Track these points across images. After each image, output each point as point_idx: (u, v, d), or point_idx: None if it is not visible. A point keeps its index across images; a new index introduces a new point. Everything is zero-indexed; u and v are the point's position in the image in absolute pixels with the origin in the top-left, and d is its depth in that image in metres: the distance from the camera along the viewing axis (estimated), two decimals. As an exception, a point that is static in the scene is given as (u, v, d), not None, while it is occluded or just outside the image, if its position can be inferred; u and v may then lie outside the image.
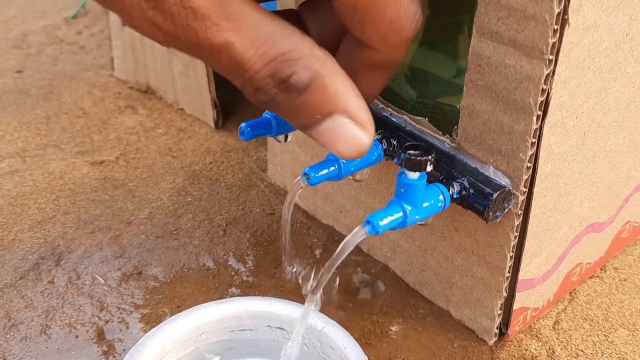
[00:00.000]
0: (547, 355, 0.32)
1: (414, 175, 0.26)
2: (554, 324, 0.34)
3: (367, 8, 0.20)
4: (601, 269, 0.38)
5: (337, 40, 0.24)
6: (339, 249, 0.25)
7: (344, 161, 0.29)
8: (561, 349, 0.33)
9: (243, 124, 0.31)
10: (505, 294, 0.31)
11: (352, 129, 0.21)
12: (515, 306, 0.32)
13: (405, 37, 0.21)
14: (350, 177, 0.32)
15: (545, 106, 0.26)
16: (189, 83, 0.50)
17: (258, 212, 0.41)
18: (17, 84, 0.56)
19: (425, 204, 0.27)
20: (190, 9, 0.18)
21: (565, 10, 0.24)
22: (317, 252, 0.39)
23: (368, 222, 0.26)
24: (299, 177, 0.29)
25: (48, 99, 0.54)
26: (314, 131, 0.21)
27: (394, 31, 0.21)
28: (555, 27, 0.24)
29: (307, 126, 0.21)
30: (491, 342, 0.33)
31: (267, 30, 0.19)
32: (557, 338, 0.33)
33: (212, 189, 0.44)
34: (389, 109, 0.32)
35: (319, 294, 0.25)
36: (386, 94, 0.33)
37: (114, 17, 0.54)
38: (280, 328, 0.28)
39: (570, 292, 0.36)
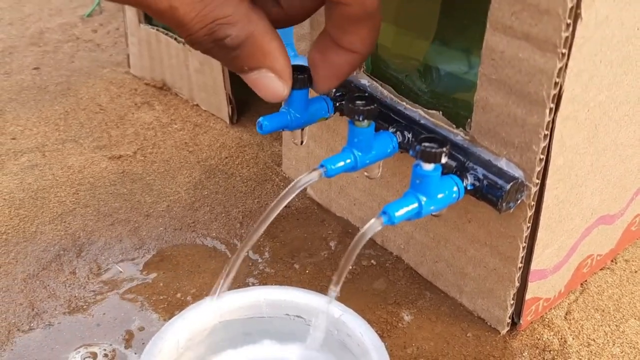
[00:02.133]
0: (560, 345, 0.33)
1: (429, 167, 0.27)
2: (566, 314, 0.35)
3: (360, 19, 0.24)
4: (612, 261, 0.38)
5: (308, 14, 0.28)
6: (355, 239, 0.26)
7: (360, 153, 0.30)
8: (573, 338, 0.33)
9: (261, 118, 0.31)
10: (517, 284, 0.32)
11: (273, 81, 0.26)
12: (528, 296, 0.32)
13: (375, 39, 0.25)
14: (364, 174, 0.32)
15: (557, 99, 0.27)
16: (204, 79, 0.50)
17: (274, 202, 0.42)
18: (35, 81, 0.57)
19: (440, 195, 0.27)
20: None
21: (578, 5, 0.25)
22: (332, 244, 0.39)
23: (384, 213, 0.26)
24: (314, 169, 0.29)
25: (66, 95, 0.55)
26: (244, 76, 0.26)
27: (372, 35, 0.25)
28: (569, 21, 0.25)
29: (238, 72, 0.26)
30: (504, 331, 0.33)
31: None
32: (569, 328, 0.34)
33: (228, 183, 0.44)
34: (404, 103, 0.33)
35: (339, 285, 0.26)
36: (400, 88, 0.34)
37: (130, 15, 0.55)
38: (299, 316, 0.29)
39: (582, 283, 0.36)
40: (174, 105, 0.53)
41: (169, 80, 0.55)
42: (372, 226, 0.26)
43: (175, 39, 0.51)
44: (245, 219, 0.41)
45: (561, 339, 0.33)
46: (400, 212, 0.26)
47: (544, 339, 0.33)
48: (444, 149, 0.26)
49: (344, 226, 0.41)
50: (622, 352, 0.32)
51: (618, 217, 0.35)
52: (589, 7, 0.25)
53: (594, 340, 0.33)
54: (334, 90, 0.35)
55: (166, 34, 0.52)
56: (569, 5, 0.24)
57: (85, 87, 0.56)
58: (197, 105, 0.53)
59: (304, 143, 0.34)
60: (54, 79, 0.57)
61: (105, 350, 0.32)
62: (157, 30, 0.53)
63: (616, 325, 0.34)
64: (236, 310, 0.29)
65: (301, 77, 0.29)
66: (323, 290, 0.35)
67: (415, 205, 0.27)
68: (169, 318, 0.33)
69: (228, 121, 0.50)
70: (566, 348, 0.33)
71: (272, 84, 0.26)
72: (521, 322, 0.33)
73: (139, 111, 0.52)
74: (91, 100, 0.54)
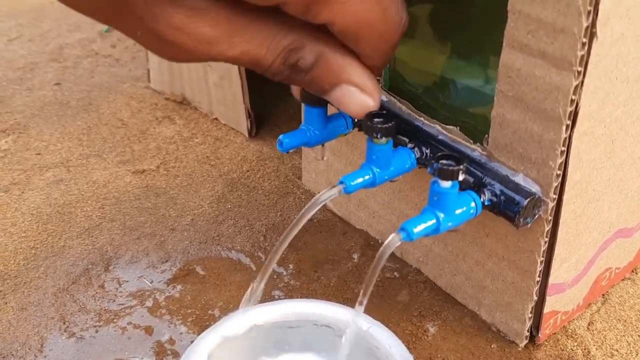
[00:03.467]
0: (583, 355, 0.33)
1: (446, 184, 0.27)
2: (589, 324, 0.35)
3: (358, 29, 0.25)
4: (632, 272, 0.38)
5: None
6: (377, 255, 0.27)
7: (378, 170, 0.31)
8: (596, 348, 0.34)
9: (281, 136, 0.32)
10: (535, 298, 0.32)
11: (357, 95, 0.27)
12: (546, 310, 0.33)
13: (394, 43, 0.26)
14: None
15: (574, 116, 0.27)
16: (223, 94, 0.52)
17: (296, 218, 0.43)
18: (56, 96, 0.59)
19: (457, 211, 0.28)
20: (205, 42, 0.23)
21: (593, 24, 0.25)
22: (355, 256, 0.40)
23: (403, 229, 0.27)
24: (334, 186, 0.30)
25: (87, 111, 0.56)
26: (327, 96, 0.27)
27: (383, 42, 0.26)
28: (584, 40, 0.25)
29: (322, 94, 0.27)
30: (522, 344, 0.34)
31: (272, 30, 0.24)
32: (592, 338, 0.34)
33: (251, 196, 0.45)
34: (421, 119, 0.34)
35: (366, 300, 0.27)
36: (418, 103, 0.35)
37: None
38: (327, 326, 0.30)
39: (603, 295, 0.37)
40: (194, 119, 0.54)
41: (189, 95, 0.56)
42: (391, 242, 0.27)
43: (195, 54, 0.52)
44: (268, 232, 0.42)
45: (584, 349, 0.34)
46: (419, 228, 0.27)
47: (567, 350, 0.34)
48: (461, 167, 0.27)
49: (366, 238, 0.41)
50: (643, 363, 0.33)
51: (636, 230, 0.36)
52: (604, 26, 0.25)
53: (617, 351, 0.33)
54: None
55: (186, 50, 0.53)
56: (585, 24, 0.25)
57: (106, 102, 0.57)
58: (216, 119, 0.54)
59: (325, 158, 0.35)
60: (75, 94, 0.59)
61: (134, 362, 0.33)
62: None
63: (639, 336, 0.34)
64: (265, 321, 0.30)
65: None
66: (348, 302, 0.36)
67: (434, 221, 0.27)
68: (198, 331, 0.34)
69: (247, 134, 0.51)
70: (590, 359, 0.33)
71: (356, 97, 0.27)
72: (539, 335, 0.34)
73: (160, 125, 0.54)
74: (113, 115, 0.55)
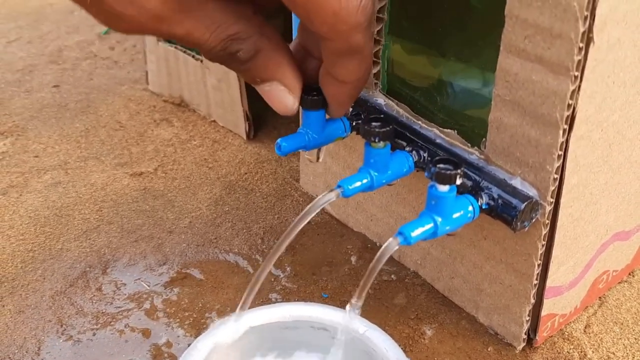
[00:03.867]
0: (580, 358, 0.33)
1: (444, 188, 0.27)
2: (585, 327, 0.35)
3: (305, 4, 0.25)
4: (629, 274, 0.38)
5: None
6: (374, 259, 0.27)
7: (376, 174, 0.31)
8: (593, 351, 0.34)
9: (279, 140, 0.32)
10: (533, 301, 0.32)
11: (282, 94, 0.28)
12: (543, 312, 0.33)
13: (353, 24, 0.26)
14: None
15: (571, 120, 0.27)
16: (222, 96, 0.52)
17: (294, 221, 0.43)
18: (55, 99, 0.59)
19: (455, 215, 0.28)
20: (153, 16, 0.24)
21: (590, 29, 0.25)
22: (353, 258, 0.40)
23: (400, 234, 0.27)
24: (332, 190, 0.30)
25: (86, 113, 0.56)
26: (257, 88, 0.29)
27: (339, 21, 0.25)
28: (581, 45, 0.25)
29: (252, 84, 0.29)
30: (519, 347, 0.34)
31: (221, 17, 0.25)
32: (588, 341, 0.34)
33: (249, 199, 0.45)
34: (419, 122, 0.34)
35: (361, 302, 0.27)
36: (416, 107, 0.35)
37: (148, 33, 0.56)
38: (324, 329, 0.30)
39: (600, 297, 0.37)
40: (192, 121, 0.54)
41: (187, 97, 0.56)
42: (389, 247, 0.27)
43: (193, 56, 0.52)
44: (266, 235, 0.42)
45: (581, 352, 0.34)
46: (416, 232, 0.27)
47: (564, 353, 0.34)
48: (459, 171, 0.27)
49: (363, 241, 0.41)
50: (640, 366, 0.33)
51: (633, 233, 0.36)
52: (601, 31, 0.26)
53: (614, 354, 0.34)
54: (350, 109, 0.35)
55: (184, 52, 0.53)
56: (581, 29, 0.25)
57: (104, 104, 0.57)
58: (214, 121, 0.54)
59: (320, 160, 0.35)
60: (74, 96, 0.59)
61: (131, 365, 0.33)
62: (175, 47, 0.54)
63: (635, 339, 0.34)
64: (262, 323, 0.30)
65: (317, 98, 0.30)
66: (345, 305, 0.35)
67: (431, 225, 0.27)
68: (195, 334, 0.34)
69: (245, 137, 0.51)
70: (585, 361, 0.33)
71: (282, 96, 0.28)
72: (537, 338, 0.34)
73: (158, 128, 0.54)
74: (111, 117, 0.55)
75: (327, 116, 0.32)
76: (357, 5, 0.25)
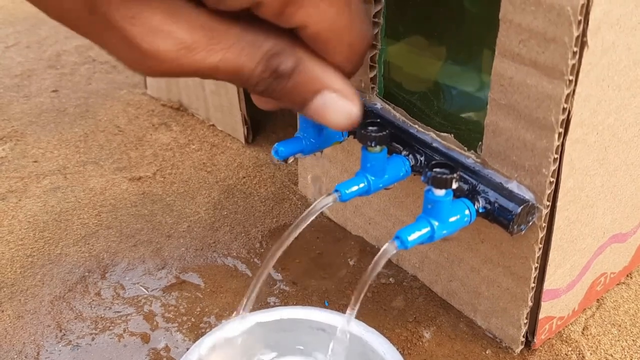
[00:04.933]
0: (576, 360, 0.34)
1: (440, 192, 0.27)
2: (583, 329, 0.35)
3: (330, 34, 0.24)
4: (627, 276, 0.38)
5: None
6: (372, 264, 0.27)
7: (373, 178, 0.31)
8: (591, 353, 0.34)
9: (276, 144, 0.32)
10: (530, 304, 0.32)
11: (341, 102, 0.25)
12: (541, 315, 0.33)
13: (363, 52, 0.26)
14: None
15: (566, 124, 0.27)
16: (220, 100, 0.52)
17: (292, 226, 0.43)
18: (54, 103, 0.59)
19: (451, 219, 0.28)
20: (184, 48, 0.22)
21: (584, 33, 0.25)
22: (351, 262, 0.40)
23: (397, 238, 0.27)
24: (329, 194, 0.30)
25: (85, 117, 0.56)
26: (309, 109, 0.26)
27: (352, 51, 0.26)
28: (575, 49, 0.25)
29: (303, 105, 0.26)
30: (517, 350, 0.34)
31: (250, 37, 0.23)
32: (586, 343, 0.34)
33: (247, 203, 0.45)
34: (416, 126, 0.34)
35: (357, 306, 0.27)
36: (412, 111, 0.35)
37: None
38: (322, 330, 0.30)
39: (598, 299, 0.37)
40: (191, 125, 0.54)
41: (186, 101, 0.56)
42: (387, 251, 0.27)
43: (191, 61, 0.52)
44: (264, 238, 0.42)
45: (579, 354, 0.34)
46: (413, 236, 0.27)
47: (562, 355, 0.34)
48: (455, 175, 0.27)
49: (362, 244, 0.42)
50: (638, 367, 0.33)
51: (631, 235, 0.36)
52: (595, 35, 0.26)
53: (612, 356, 0.34)
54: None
55: (182, 57, 0.53)
56: (575, 33, 0.25)
57: (103, 109, 0.57)
58: (213, 125, 0.54)
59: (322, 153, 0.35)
60: (73, 101, 0.59)
61: (130, 370, 0.33)
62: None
63: (633, 340, 0.34)
64: (260, 325, 0.30)
65: None
66: (344, 309, 0.36)
67: (428, 229, 0.28)
68: (194, 338, 0.34)
69: (243, 141, 0.52)
70: (583, 364, 0.33)
71: (340, 104, 0.25)
72: (535, 340, 0.34)
73: (157, 132, 0.54)
74: (110, 122, 0.56)
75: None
76: (366, 35, 0.26)
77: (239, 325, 0.29)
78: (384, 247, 0.27)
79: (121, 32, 0.21)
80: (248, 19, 0.24)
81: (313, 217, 0.29)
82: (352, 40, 0.25)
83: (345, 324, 0.29)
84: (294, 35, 0.25)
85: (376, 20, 0.34)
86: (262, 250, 0.41)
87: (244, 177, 0.48)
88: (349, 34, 0.25)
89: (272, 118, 0.54)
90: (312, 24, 0.24)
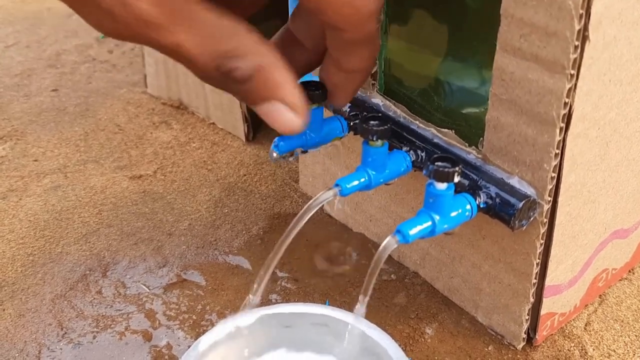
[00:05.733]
0: (580, 356, 0.33)
1: (442, 186, 0.27)
2: (586, 325, 0.35)
3: None
4: (629, 272, 0.38)
5: (325, 46, 0.28)
6: (374, 258, 0.27)
7: (374, 172, 0.31)
8: (593, 349, 0.34)
9: (277, 139, 0.32)
10: (532, 300, 0.32)
11: (286, 113, 0.26)
12: (543, 311, 0.33)
13: (367, 13, 0.25)
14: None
15: (567, 118, 0.27)
16: (220, 98, 0.52)
17: (293, 220, 0.43)
18: (54, 102, 0.59)
19: (453, 214, 0.28)
20: (141, 20, 0.22)
21: (585, 27, 0.25)
22: (353, 259, 0.40)
23: (398, 232, 0.27)
24: (330, 189, 0.30)
25: (85, 116, 0.56)
26: (256, 109, 0.26)
27: (354, 10, 0.25)
28: (576, 43, 0.25)
29: (250, 104, 0.26)
30: (519, 346, 0.34)
31: (215, 30, 0.23)
32: (589, 339, 0.34)
33: (248, 200, 0.45)
34: (416, 122, 0.34)
35: (366, 301, 0.27)
36: (413, 107, 0.35)
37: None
38: (324, 325, 0.30)
39: (600, 295, 0.37)
40: (191, 124, 0.54)
41: (186, 100, 0.56)
42: (388, 245, 0.27)
43: (191, 59, 0.52)
44: (265, 236, 0.42)
45: (582, 350, 0.34)
46: (414, 230, 0.27)
47: (565, 351, 0.34)
48: (457, 169, 0.27)
49: (363, 241, 0.41)
50: (641, 363, 0.33)
51: (632, 230, 0.36)
52: (597, 29, 0.26)
53: (614, 351, 0.34)
54: (348, 109, 0.35)
55: (182, 55, 0.53)
56: (577, 27, 0.25)
57: (103, 107, 0.57)
58: (213, 123, 0.54)
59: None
60: (73, 100, 0.59)
61: (132, 368, 0.33)
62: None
63: (636, 336, 0.34)
64: (261, 320, 0.30)
65: (316, 93, 0.30)
66: (345, 305, 0.36)
67: (429, 223, 0.27)
68: (195, 336, 0.34)
69: (244, 139, 0.51)
70: (587, 359, 0.33)
71: (284, 116, 0.26)
72: (537, 337, 0.34)
73: (157, 130, 0.54)
74: (110, 120, 0.55)
75: (329, 107, 0.32)
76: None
77: (239, 321, 0.29)
78: (385, 241, 0.27)
79: None
80: (223, 11, 0.23)
81: (314, 211, 0.29)
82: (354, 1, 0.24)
83: (357, 319, 0.29)
84: (262, 39, 0.24)
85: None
86: (263, 247, 0.41)
87: (245, 175, 0.48)
88: None
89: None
90: None
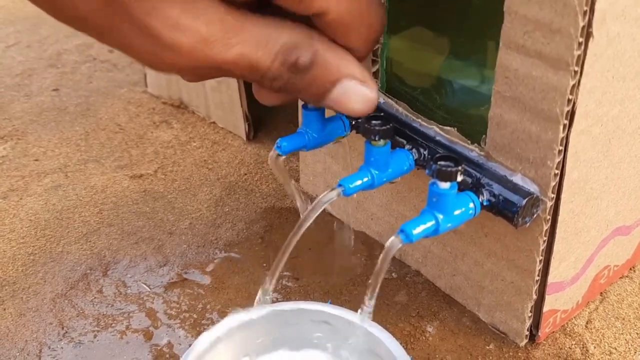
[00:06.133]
0: (581, 354, 0.33)
1: (445, 185, 0.27)
2: (587, 323, 0.35)
3: (351, 18, 0.24)
4: (630, 269, 0.38)
5: None
6: (380, 259, 0.27)
7: (377, 172, 0.31)
8: (594, 347, 0.34)
9: (279, 139, 0.32)
10: (535, 297, 0.32)
11: (360, 88, 0.25)
12: (545, 308, 0.33)
13: (380, 32, 0.26)
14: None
15: (571, 115, 0.27)
16: (221, 97, 0.52)
17: (294, 220, 0.43)
18: (54, 102, 0.59)
19: (456, 212, 0.28)
20: (202, 40, 0.22)
21: (589, 24, 0.25)
22: (354, 257, 0.40)
23: (402, 231, 0.27)
24: (333, 189, 0.30)
25: (85, 116, 0.56)
26: (328, 100, 0.26)
27: (372, 32, 0.26)
28: (580, 40, 0.25)
29: (322, 97, 0.25)
30: (522, 344, 0.34)
31: (265, 31, 0.23)
32: (590, 336, 0.34)
33: (249, 199, 0.45)
34: (419, 120, 0.34)
35: (373, 301, 0.27)
36: (415, 105, 0.35)
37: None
38: (326, 322, 0.30)
39: (601, 293, 0.37)
40: (192, 123, 0.54)
41: (186, 99, 0.56)
42: (392, 245, 0.27)
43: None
44: (266, 235, 0.42)
45: (583, 347, 0.34)
46: (418, 230, 0.27)
47: (566, 348, 0.34)
48: (460, 168, 0.27)
49: (364, 240, 0.41)
50: (643, 361, 0.33)
51: (634, 227, 0.36)
52: (601, 26, 0.26)
53: (616, 349, 0.33)
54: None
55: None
56: (581, 24, 0.25)
57: (104, 107, 0.57)
58: (214, 122, 0.54)
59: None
60: (73, 99, 0.59)
61: (133, 367, 0.33)
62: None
63: (637, 333, 0.34)
64: (263, 318, 0.30)
65: None
66: (346, 304, 0.35)
67: (433, 222, 0.27)
68: (196, 334, 0.34)
69: (245, 138, 0.51)
70: (588, 357, 0.33)
71: (359, 91, 0.25)
72: (539, 334, 0.34)
73: (158, 130, 0.54)
74: (110, 120, 0.55)
75: (328, 113, 0.32)
76: (382, 15, 0.26)
77: (240, 318, 0.29)
78: (389, 241, 0.27)
79: (139, 24, 0.21)
80: (262, 12, 0.23)
81: (319, 212, 0.29)
82: (371, 21, 0.25)
83: (363, 320, 0.28)
84: (307, 27, 0.24)
85: (378, 14, 0.34)
86: (264, 246, 0.41)
87: (246, 174, 0.48)
88: (368, 15, 0.25)
89: (273, 115, 0.54)
90: (333, 8, 0.23)
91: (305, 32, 0.24)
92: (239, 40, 0.23)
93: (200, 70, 0.23)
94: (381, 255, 0.26)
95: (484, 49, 0.32)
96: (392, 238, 0.27)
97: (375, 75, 0.36)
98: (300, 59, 0.24)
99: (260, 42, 0.23)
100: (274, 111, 0.54)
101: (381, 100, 0.36)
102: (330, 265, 0.40)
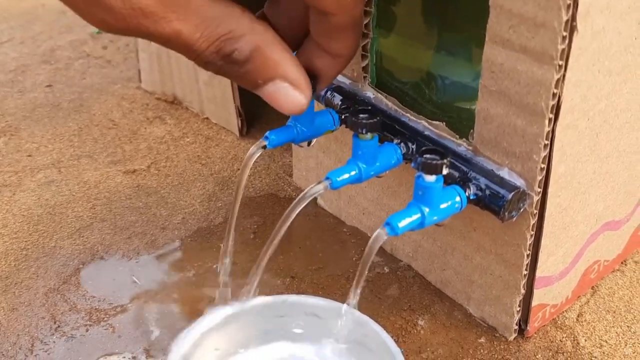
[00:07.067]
0: (572, 346, 0.34)
1: (430, 178, 0.27)
2: (578, 316, 0.35)
3: None
4: (622, 263, 0.39)
5: (302, 33, 0.28)
6: (365, 251, 0.27)
7: (364, 165, 0.31)
8: (585, 339, 0.34)
9: (268, 133, 0.32)
10: (523, 291, 0.32)
11: (290, 91, 0.26)
12: (534, 303, 0.33)
13: None
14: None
15: (556, 109, 0.27)
16: (214, 93, 0.52)
17: (284, 214, 0.43)
18: (48, 98, 0.59)
19: (442, 205, 0.28)
20: (139, 9, 0.22)
21: (573, 18, 0.25)
22: (346, 252, 0.40)
23: (388, 224, 0.27)
24: (320, 182, 0.30)
25: (79, 112, 0.56)
26: (259, 92, 0.26)
27: None
28: (564, 33, 0.25)
29: (254, 89, 0.26)
30: (511, 338, 0.34)
31: (210, 14, 0.23)
32: (581, 329, 0.34)
33: (242, 194, 0.45)
34: (407, 115, 0.34)
35: (358, 295, 0.27)
36: (404, 99, 0.35)
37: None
38: (316, 315, 0.30)
39: (592, 286, 0.37)
40: (185, 118, 0.54)
41: (180, 94, 0.56)
42: (378, 237, 0.27)
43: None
44: (259, 229, 0.42)
45: (574, 340, 0.34)
46: (403, 222, 0.27)
47: (556, 341, 0.34)
48: (445, 161, 0.27)
49: (356, 234, 0.41)
50: (634, 353, 0.33)
51: (624, 222, 0.36)
52: (584, 19, 0.26)
53: (606, 342, 0.34)
54: (339, 102, 0.36)
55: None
56: (564, 18, 0.25)
57: (97, 103, 0.57)
58: (207, 118, 0.54)
59: (311, 145, 0.35)
60: (67, 95, 0.59)
61: (126, 359, 0.33)
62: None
63: (627, 326, 0.35)
64: (254, 310, 0.30)
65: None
66: (338, 298, 0.35)
67: (418, 215, 0.27)
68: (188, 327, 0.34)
69: (238, 133, 0.51)
70: (579, 350, 0.33)
71: (289, 94, 0.26)
72: (528, 328, 0.34)
73: (151, 126, 0.54)
74: (104, 116, 0.55)
75: (318, 107, 0.32)
76: None
77: (230, 311, 0.30)
78: (375, 233, 0.27)
79: None
80: None
81: (304, 204, 0.29)
82: None
83: (348, 310, 0.29)
84: (257, 19, 0.24)
85: (368, 9, 0.34)
86: (257, 241, 0.41)
87: (239, 169, 0.48)
88: None
89: (266, 110, 0.54)
90: None
91: (252, 24, 0.24)
92: (179, 17, 0.23)
93: (131, 33, 0.23)
94: (367, 248, 0.27)
95: (472, 43, 0.32)
96: (378, 230, 0.27)
97: (365, 69, 0.36)
98: (237, 52, 0.24)
99: (201, 25, 0.23)
100: (268, 107, 0.54)
101: (370, 95, 0.36)
102: (322, 260, 0.40)
